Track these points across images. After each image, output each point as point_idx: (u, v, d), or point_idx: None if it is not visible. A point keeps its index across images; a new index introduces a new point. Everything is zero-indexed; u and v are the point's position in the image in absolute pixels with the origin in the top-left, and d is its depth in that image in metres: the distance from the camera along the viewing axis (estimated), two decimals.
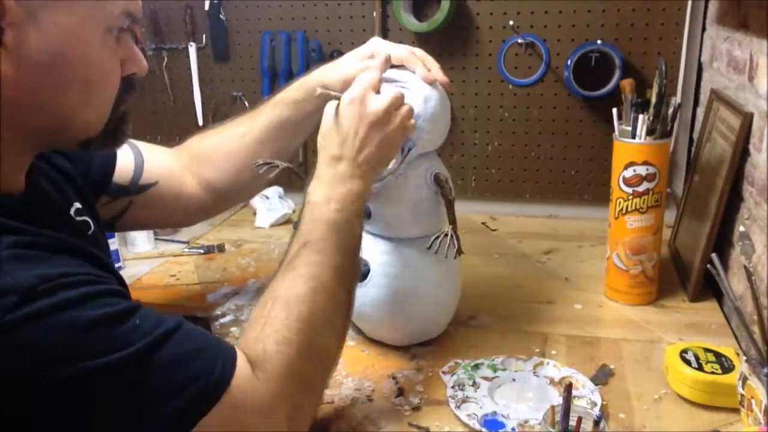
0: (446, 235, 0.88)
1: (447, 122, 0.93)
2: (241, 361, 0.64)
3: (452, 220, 0.91)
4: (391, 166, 0.87)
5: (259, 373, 0.64)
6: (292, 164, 0.93)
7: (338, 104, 0.80)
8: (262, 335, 0.67)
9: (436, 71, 0.90)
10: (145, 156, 0.97)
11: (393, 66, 0.91)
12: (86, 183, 0.83)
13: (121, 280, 0.69)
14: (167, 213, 1.03)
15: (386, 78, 0.90)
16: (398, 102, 0.82)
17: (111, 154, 0.93)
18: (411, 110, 0.83)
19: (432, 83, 0.89)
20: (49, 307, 0.53)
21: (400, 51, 0.91)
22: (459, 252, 0.93)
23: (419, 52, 0.91)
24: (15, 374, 0.51)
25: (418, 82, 0.89)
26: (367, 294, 0.94)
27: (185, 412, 0.58)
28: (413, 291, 0.94)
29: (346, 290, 0.75)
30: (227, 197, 1.06)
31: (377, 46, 0.93)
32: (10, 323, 0.50)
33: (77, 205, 0.77)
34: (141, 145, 0.98)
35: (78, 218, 0.76)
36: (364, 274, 0.94)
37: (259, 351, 0.66)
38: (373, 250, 0.94)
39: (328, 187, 0.76)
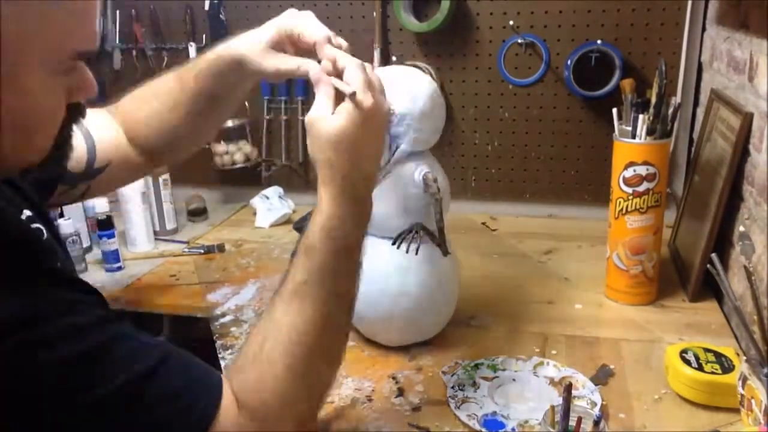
0: (410, 231, 0.87)
1: (439, 120, 0.91)
2: (227, 404, 0.61)
3: (438, 220, 0.90)
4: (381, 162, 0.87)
5: (251, 422, 0.62)
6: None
7: (347, 115, 0.70)
8: (261, 386, 0.63)
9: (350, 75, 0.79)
10: (95, 136, 0.94)
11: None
12: (35, 185, 0.79)
13: (94, 291, 0.64)
14: (118, 183, 1.06)
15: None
16: (376, 83, 0.72)
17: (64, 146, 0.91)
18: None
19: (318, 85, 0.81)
20: (12, 348, 0.50)
21: (317, 33, 0.83)
22: (445, 252, 0.92)
23: (340, 41, 0.82)
24: None
25: (405, 80, 0.88)
26: (360, 294, 0.94)
27: None
28: (405, 290, 0.93)
29: (348, 317, 0.73)
30: (168, 159, 1.06)
31: (292, 18, 0.88)
32: None
33: (27, 212, 0.72)
34: (88, 123, 0.93)
35: (31, 226, 0.71)
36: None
37: (256, 401, 0.63)
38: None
39: (335, 207, 0.70)
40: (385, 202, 0.90)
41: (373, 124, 0.70)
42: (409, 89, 0.87)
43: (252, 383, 0.63)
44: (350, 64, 0.71)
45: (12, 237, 0.58)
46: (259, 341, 0.65)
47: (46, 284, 0.57)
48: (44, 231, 0.73)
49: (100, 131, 0.95)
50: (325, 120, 0.69)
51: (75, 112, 0.63)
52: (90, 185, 0.94)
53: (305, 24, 0.86)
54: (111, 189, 1.15)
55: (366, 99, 0.68)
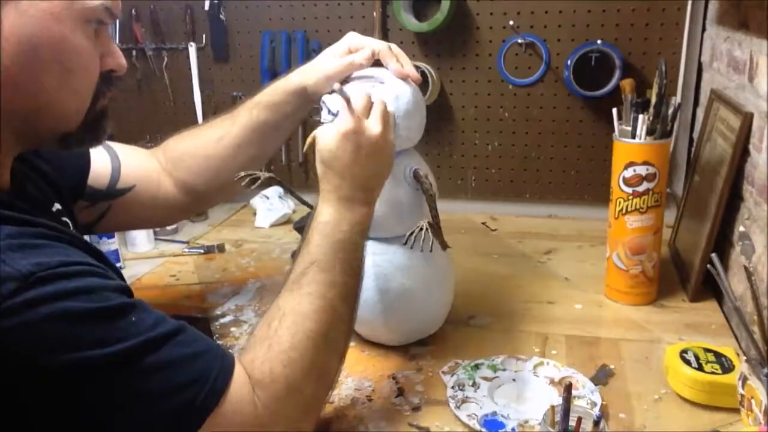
0: (422, 229, 0.87)
1: (422, 118, 0.92)
2: (240, 379, 0.63)
3: (434, 215, 0.91)
4: None
5: (261, 393, 0.64)
6: (273, 173, 0.93)
7: (336, 133, 0.77)
8: (269, 355, 0.66)
9: (409, 67, 0.90)
10: (122, 159, 0.96)
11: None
12: (63, 187, 0.83)
13: (120, 275, 0.69)
14: (145, 215, 1.03)
15: (358, 75, 0.90)
16: (389, 119, 0.81)
17: (85, 159, 0.92)
18: (392, 123, 0.82)
19: (405, 78, 0.89)
20: (46, 295, 0.53)
21: (379, 46, 0.91)
22: (444, 246, 0.92)
23: (395, 48, 0.91)
24: (10, 359, 0.51)
25: (390, 78, 0.89)
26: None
27: (174, 418, 0.57)
28: (403, 290, 0.93)
29: (350, 309, 0.75)
30: (206, 198, 1.06)
31: (354, 41, 0.92)
32: (7, 309, 0.51)
33: (57, 206, 0.77)
34: (118, 147, 0.97)
35: (61, 218, 0.76)
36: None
37: (266, 372, 0.65)
38: None
39: (336, 209, 0.76)
40: (377, 203, 0.90)
41: (364, 144, 0.76)
42: (392, 89, 0.88)
43: (260, 360, 0.66)
44: (357, 90, 0.79)
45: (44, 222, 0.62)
46: (266, 324, 0.69)
47: (83, 248, 0.63)
48: (71, 225, 0.76)
49: (130, 156, 0.97)
50: (322, 135, 0.78)
51: (107, 81, 0.68)
52: (111, 205, 0.94)
53: (369, 43, 0.92)
54: (142, 220, 1.09)
55: (347, 122, 0.75)
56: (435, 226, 0.90)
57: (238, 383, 0.62)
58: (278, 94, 0.95)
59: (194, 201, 1.03)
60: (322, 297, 0.71)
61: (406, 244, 0.87)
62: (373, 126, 0.77)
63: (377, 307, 0.94)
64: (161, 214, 1.05)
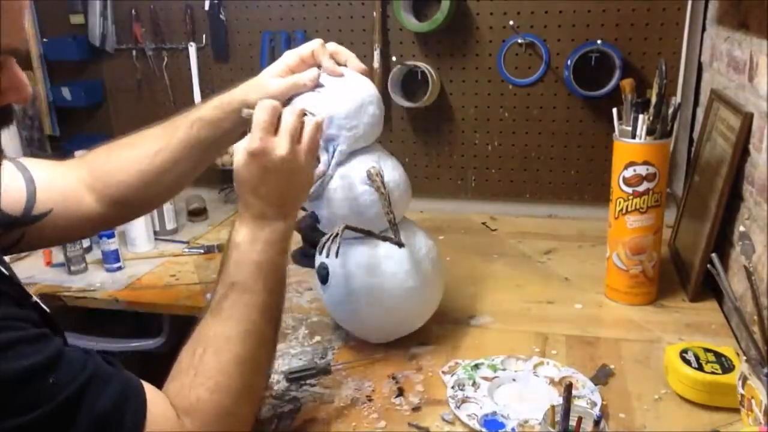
0: (336, 235, 0.86)
1: (371, 115, 0.90)
2: (160, 410, 0.63)
3: (387, 213, 0.90)
4: (320, 168, 0.88)
5: (189, 421, 0.64)
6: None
7: (243, 153, 0.76)
8: (195, 382, 0.66)
9: (353, 62, 0.90)
10: (38, 182, 0.89)
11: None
12: None
13: (35, 307, 0.66)
14: (64, 234, 0.98)
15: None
16: (298, 135, 0.77)
17: None
18: (315, 133, 0.79)
19: (338, 75, 0.88)
20: None
21: (313, 45, 0.89)
22: (399, 244, 0.91)
23: (331, 45, 0.91)
24: None
25: (329, 80, 0.88)
26: (331, 296, 0.96)
27: None
28: (369, 289, 0.93)
29: (273, 329, 0.75)
30: (133, 211, 1.01)
31: (291, 58, 0.91)
32: None
33: None
34: (33, 167, 0.90)
35: None
36: (324, 277, 0.94)
37: (193, 400, 0.65)
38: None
39: (251, 229, 0.75)
40: (337, 205, 0.90)
41: (271, 163, 0.74)
42: (334, 91, 0.87)
43: (187, 388, 0.66)
44: (261, 105, 0.76)
45: None
46: (190, 352, 0.69)
47: None
48: None
49: (45, 176, 0.91)
50: (235, 153, 0.77)
51: (4, 116, 0.62)
52: (25, 232, 0.87)
53: (301, 51, 0.91)
54: (58, 239, 1.05)
55: (252, 142, 0.74)
56: (389, 224, 0.90)
57: (159, 416, 0.62)
58: (221, 111, 0.91)
59: (120, 214, 0.98)
60: (245, 320, 0.71)
61: (321, 253, 0.88)
62: (281, 144, 0.75)
63: (347, 306, 0.95)
64: (81, 231, 1.00)
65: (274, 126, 0.76)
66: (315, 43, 0.89)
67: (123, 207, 0.96)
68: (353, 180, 0.90)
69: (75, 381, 0.57)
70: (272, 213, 0.75)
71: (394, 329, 0.99)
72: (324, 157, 0.89)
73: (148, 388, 0.64)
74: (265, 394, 0.75)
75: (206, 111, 0.92)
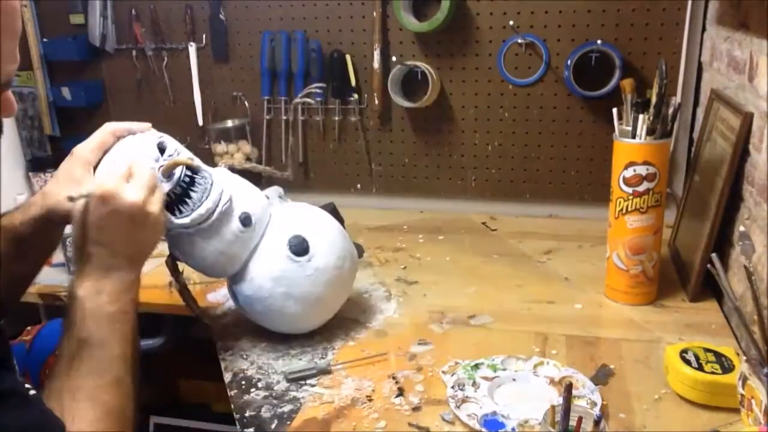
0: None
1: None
2: None
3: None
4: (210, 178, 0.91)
5: None
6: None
7: (88, 202, 0.74)
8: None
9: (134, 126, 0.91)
10: None
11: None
12: None
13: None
14: None
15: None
16: (152, 185, 0.78)
17: None
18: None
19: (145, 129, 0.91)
20: None
21: (106, 130, 0.90)
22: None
23: (113, 123, 0.91)
24: None
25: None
26: (317, 261, 0.98)
27: None
28: (248, 298, 0.99)
29: (131, 377, 0.72)
30: None
31: (82, 152, 0.88)
32: None
33: None
34: None
35: None
36: (305, 246, 0.97)
37: None
38: (293, 228, 0.99)
39: (94, 281, 0.71)
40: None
41: (115, 207, 0.73)
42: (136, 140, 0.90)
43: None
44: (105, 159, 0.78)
45: None
46: (57, 405, 0.64)
47: None
48: None
49: None
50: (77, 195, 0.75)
51: None
52: None
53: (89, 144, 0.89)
54: None
55: (103, 185, 0.73)
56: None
57: None
58: (25, 225, 0.85)
59: None
60: (102, 374, 0.68)
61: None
62: (134, 190, 0.75)
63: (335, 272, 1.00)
64: None
65: (128, 176, 0.76)
66: (103, 129, 0.90)
67: None
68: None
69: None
70: (118, 263, 0.72)
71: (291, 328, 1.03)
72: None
73: None
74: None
75: (10, 224, 0.85)
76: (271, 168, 1.06)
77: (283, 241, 0.97)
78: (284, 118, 1.66)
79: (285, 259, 0.96)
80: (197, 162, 0.92)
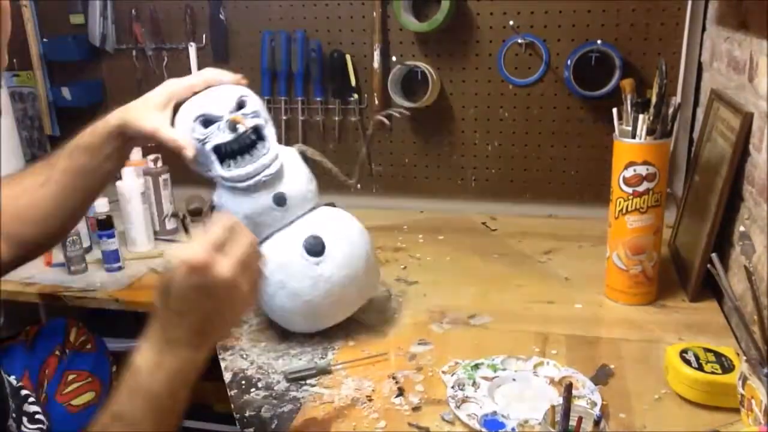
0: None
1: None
2: None
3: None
4: (274, 144, 0.97)
5: None
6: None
7: (180, 263, 0.65)
8: None
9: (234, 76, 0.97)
10: None
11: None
12: None
13: None
14: None
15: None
16: (251, 257, 0.69)
17: None
18: (259, 259, 0.72)
19: (241, 83, 0.98)
20: None
21: (201, 77, 0.95)
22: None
23: (211, 70, 0.97)
24: None
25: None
26: (334, 260, 0.98)
27: None
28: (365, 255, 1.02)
29: None
30: (34, 248, 0.97)
31: (171, 86, 0.94)
32: None
33: None
34: None
35: None
36: (321, 246, 0.97)
37: None
38: (307, 230, 0.99)
39: (157, 353, 0.65)
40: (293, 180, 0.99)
41: (203, 281, 0.64)
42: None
43: None
44: (220, 219, 0.68)
45: None
46: None
47: None
48: None
49: None
50: (171, 259, 0.67)
51: None
52: None
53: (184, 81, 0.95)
54: None
55: (196, 253, 0.64)
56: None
57: None
58: (96, 136, 0.91)
59: (22, 253, 0.94)
60: None
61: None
62: (226, 265, 0.65)
63: (349, 274, 0.99)
64: None
65: (224, 246, 0.67)
66: (203, 75, 0.95)
67: (24, 245, 0.93)
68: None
69: None
70: (187, 339, 0.66)
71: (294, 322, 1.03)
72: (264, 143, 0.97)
73: None
74: None
75: (82, 138, 0.92)
76: (338, 170, 1.09)
77: (304, 234, 0.98)
78: (284, 117, 1.67)
79: (297, 251, 0.97)
80: (266, 132, 0.97)
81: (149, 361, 0.65)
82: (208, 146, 0.94)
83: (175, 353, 0.65)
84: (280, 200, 0.97)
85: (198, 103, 0.94)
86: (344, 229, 1.02)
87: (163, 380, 0.65)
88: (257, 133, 0.96)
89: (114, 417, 0.64)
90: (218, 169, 0.95)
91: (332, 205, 1.07)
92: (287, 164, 0.99)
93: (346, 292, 1.00)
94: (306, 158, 1.05)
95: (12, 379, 1.00)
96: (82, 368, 1.13)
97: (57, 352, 1.11)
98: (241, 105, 0.96)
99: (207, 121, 0.93)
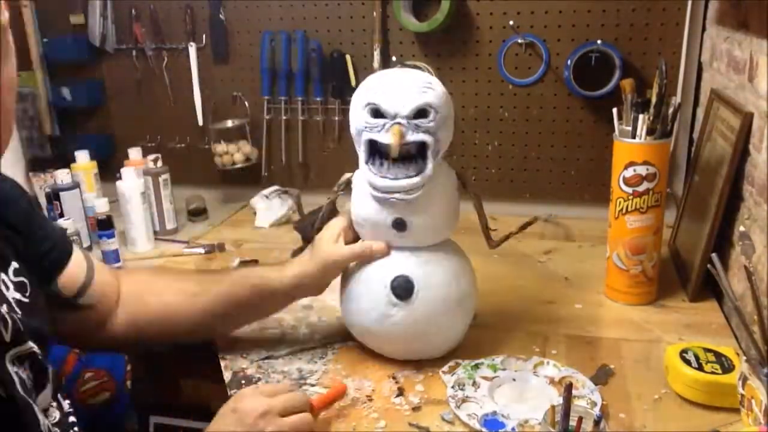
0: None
1: (453, 120, 0.95)
2: None
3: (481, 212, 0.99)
4: (428, 171, 0.87)
5: None
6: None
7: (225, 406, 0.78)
8: None
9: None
10: (96, 275, 0.88)
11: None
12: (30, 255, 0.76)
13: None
14: (83, 337, 0.91)
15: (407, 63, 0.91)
16: (286, 412, 0.77)
17: (65, 252, 0.85)
18: (302, 426, 0.78)
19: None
20: None
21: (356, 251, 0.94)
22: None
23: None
24: None
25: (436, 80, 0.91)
26: (415, 312, 0.89)
27: None
28: (460, 294, 0.93)
29: None
30: (144, 341, 0.97)
31: (340, 223, 0.96)
32: None
33: (15, 265, 0.71)
34: (94, 260, 0.90)
35: (15, 279, 0.70)
36: (409, 291, 0.89)
37: None
38: (412, 264, 0.91)
39: None
40: (428, 209, 0.92)
41: (227, 407, 0.77)
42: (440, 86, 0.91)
43: None
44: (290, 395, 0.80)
45: None
46: None
47: None
48: (28, 286, 0.71)
49: (101, 273, 0.90)
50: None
51: None
52: (61, 317, 0.82)
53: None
54: (72, 338, 0.92)
55: (252, 401, 0.76)
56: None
57: None
58: (270, 285, 0.93)
59: (134, 339, 0.94)
60: None
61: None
62: (259, 402, 0.76)
63: (437, 317, 0.91)
64: (96, 340, 0.93)
65: (270, 393, 0.79)
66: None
67: (142, 335, 0.93)
68: (446, 183, 0.96)
69: None
70: None
71: (455, 338, 0.98)
72: (429, 160, 0.88)
73: None
74: None
75: (256, 278, 0.94)
76: (487, 221, 1.11)
77: (395, 272, 0.91)
78: (284, 118, 1.67)
79: (385, 281, 0.90)
80: (429, 153, 0.89)
81: None
82: (365, 136, 0.88)
83: None
84: (399, 226, 0.90)
85: (377, 90, 0.87)
86: (444, 287, 0.91)
87: None
88: (421, 150, 0.87)
89: None
90: (361, 161, 0.90)
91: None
92: (432, 193, 0.90)
93: (409, 340, 0.93)
94: (464, 184, 0.98)
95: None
96: (100, 366, 1.12)
97: (76, 350, 1.11)
98: (421, 113, 0.86)
99: (377, 112, 0.86)
